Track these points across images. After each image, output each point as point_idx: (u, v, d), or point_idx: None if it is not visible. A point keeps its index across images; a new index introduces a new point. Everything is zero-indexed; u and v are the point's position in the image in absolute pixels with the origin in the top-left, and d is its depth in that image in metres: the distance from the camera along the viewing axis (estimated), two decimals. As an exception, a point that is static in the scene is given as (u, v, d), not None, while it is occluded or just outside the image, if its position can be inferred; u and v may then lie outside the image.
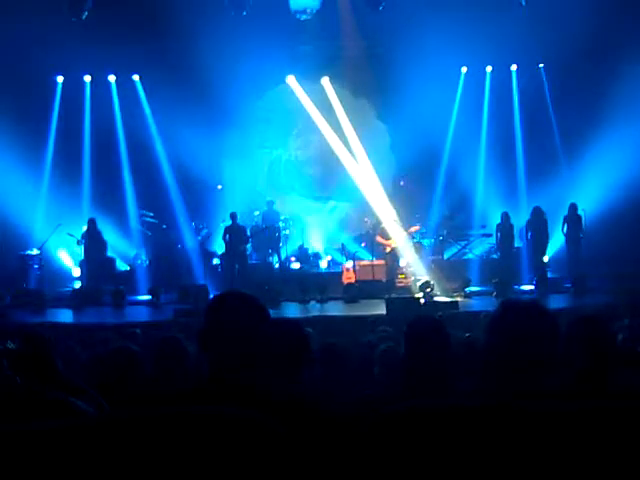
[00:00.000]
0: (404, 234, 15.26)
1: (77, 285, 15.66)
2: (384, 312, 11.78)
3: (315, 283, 14.84)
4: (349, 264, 15.60)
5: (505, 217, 15.63)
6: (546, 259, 15.64)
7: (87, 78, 17.49)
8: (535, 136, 17.38)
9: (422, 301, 12.92)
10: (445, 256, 16.70)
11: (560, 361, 2.72)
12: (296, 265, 16.85)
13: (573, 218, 15.40)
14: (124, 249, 17.02)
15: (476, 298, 14.16)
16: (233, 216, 15.47)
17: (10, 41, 13.97)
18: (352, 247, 16.58)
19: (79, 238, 15.52)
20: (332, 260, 17.24)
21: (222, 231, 15.68)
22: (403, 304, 12.09)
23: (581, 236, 15.45)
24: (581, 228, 15.45)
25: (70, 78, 17.31)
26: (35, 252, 15.54)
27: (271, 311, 2.48)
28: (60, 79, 17.36)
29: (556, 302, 12.85)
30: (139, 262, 16.50)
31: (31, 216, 16.00)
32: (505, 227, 15.63)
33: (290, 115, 17.98)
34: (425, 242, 16.72)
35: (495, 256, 16.13)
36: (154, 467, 1.63)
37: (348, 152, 17.79)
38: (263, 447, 1.66)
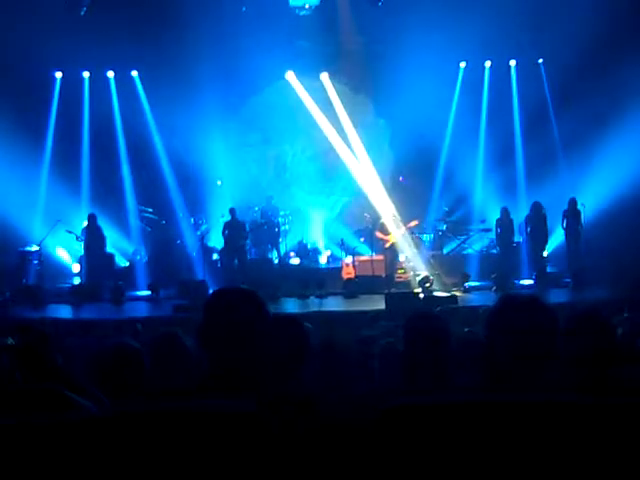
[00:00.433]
0: (403, 229, 15.25)
1: (76, 281, 15.67)
2: (383, 307, 11.80)
3: (314, 278, 14.85)
4: (348, 259, 15.61)
5: (504, 212, 15.62)
6: (545, 254, 15.65)
7: (86, 74, 17.43)
8: (534, 131, 17.35)
9: (421, 296, 12.93)
10: (444, 251, 16.72)
11: (560, 355, 2.72)
12: (295, 260, 16.85)
13: (572, 213, 15.39)
14: (123, 245, 17.02)
15: (475, 293, 14.17)
16: (232, 211, 15.48)
17: (9, 37, 13.94)
18: (352, 242, 16.59)
19: (78, 234, 15.52)
20: (331, 255, 17.25)
21: (221, 226, 15.68)
22: (402, 299, 12.11)
23: (580, 231, 15.45)
24: (580, 223, 15.44)
25: (69, 74, 17.27)
26: (34, 248, 15.52)
27: (270, 306, 2.47)
28: (59, 75, 17.33)
29: (556, 297, 12.85)
30: (138, 258, 16.51)
31: (30, 212, 15.98)
32: (504, 222, 15.63)
33: (293, 110, 17.93)
34: (424, 237, 16.73)
35: (494, 251, 16.14)
36: (153, 461, 1.63)
37: (347, 148, 17.78)
38: (261, 442, 1.66)
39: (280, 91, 17.80)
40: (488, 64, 17.79)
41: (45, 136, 17.03)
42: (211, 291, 10.21)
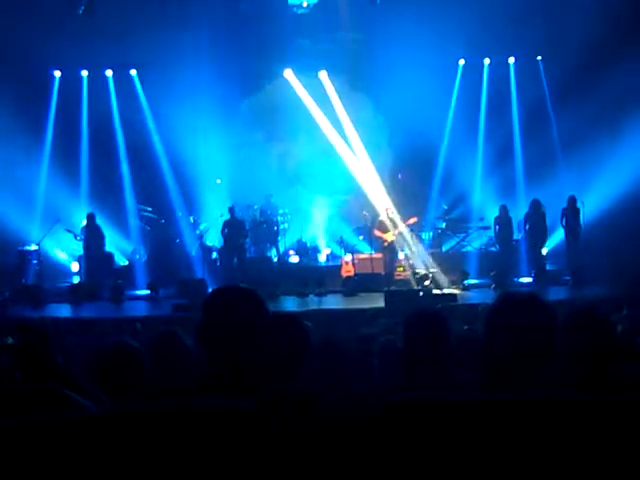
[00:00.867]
0: (402, 227, 15.25)
1: (76, 280, 15.65)
2: (383, 305, 11.81)
3: (314, 277, 14.85)
4: (348, 257, 15.61)
5: (503, 210, 15.62)
6: (545, 251, 15.65)
7: (84, 73, 17.43)
8: (533, 128, 17.34)
9: (421, 294, 12.93)
10: (443, 249, 16.73)
11: (559, 353, 2.72)
12: (295, 259, 16.85)
13: (572, 210, 15.36)
14: (123, 244, 17.01)
15: (474, 290, 14.17)
16: (231, 210, 15.47)
17: (8, 36, 13.94)
18: (351, 240, 16.59)
19: (77, 234, 15.52)
20: (331, 253, 17.24)
21: (221, 225, 15.67)
22: (402, 297, 12.12)
23: (580, 228, 15.43)
24: (580, 220, 15.42)
25: (67, 73, 17.26)
26: (34, 247, 15.52)
27: (270, 305, 2.47)
28: (57, 74, 17.32)
29: (555, 294, 12.85)
30: (138, 257, 16.51)
31: (29, 212, 15.98)
32: (504, 220, 15.62)
33: (294, 108, 17.89)
34: (424, 235, 16.73)
35: (494, 249, 16.14)
36: (154, 460, 1.63)
37: (346, 145, 17.77)
38: (262, 441, 1.66)
39: (280, 89, 17.78)
40: (487, 61, 17.78)
41: (44, 135, 17.02)
42: (210, 290, 10.20)
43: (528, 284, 14.27)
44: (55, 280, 15.64)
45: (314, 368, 3.62)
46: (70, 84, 17.25)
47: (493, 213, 15.97)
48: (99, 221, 15.65)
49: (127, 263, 16.61)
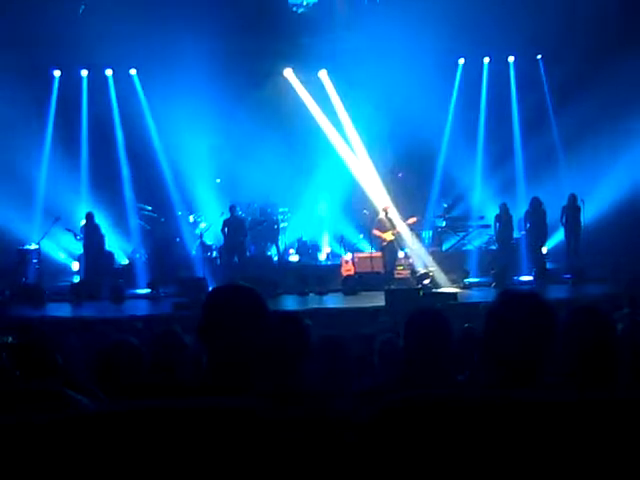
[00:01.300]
0: (402, 226, 15.24)
1: (76, 279, 15.65)
2: (383, 304, 11.81)
3: (314, 275, 14.85)
4: (348, 256, 15.61)
5: (504, 208, 15.61)
6: (545, 250, 15.64)
7: (84, 72, 17.42)
8: (533, 127, 17.35)
9: (421, 293, 12.93)
10: (444, 247, 16.71)
11: (560, 352, 2.71)
12: (295, 258, 16.85)
13: (572, 209, 15.34)
14: (123, 243, 17.02)
15: (475, 289, 14.18)
16: (232, 209, 15.46)
17: (7, 35, 13.93)
18: (352, 238, 16.59)
19: (77, 232, 15.52)
20: (331, 252, 17.24)
21: (221, 224, 15.66)
22: (402, 296, 12.10)
23: (580, 227, 15.42)
24: (580, 219, 15.41)
25: (67, 72, 17.26)
26: (34, 246, 15.52)
27: (270, 304, 2.47)
28: (57, 73, 17.31)
29: (555, 293, 12.85)
30: (138, 256, 16.50)
31: (29, 211, 15.98)
32: (504, 218, 15.62)
33: (294, 107, 17.87)
34: (424, 233, 16.73)
35: (494, 247, 16.13)
36: (153, 458, 1.63)
37: (346, 144, 17.77)
38: (261, 439, 1.66)
39: (280, 88, 17.77)
40: (487, 60, 17.78)
41: (44, 134, 17.02)
42: (210, 289, 10.21)
43: (528, 282, 14.28)
44: (55, 279, 15.65)
45: (314, 366, 3.62)
46: (70, 84, 17.25)
47: (493, 211, 15.97)
48: (99, 220, 15.65)
49: (127, 262, 16.62)
